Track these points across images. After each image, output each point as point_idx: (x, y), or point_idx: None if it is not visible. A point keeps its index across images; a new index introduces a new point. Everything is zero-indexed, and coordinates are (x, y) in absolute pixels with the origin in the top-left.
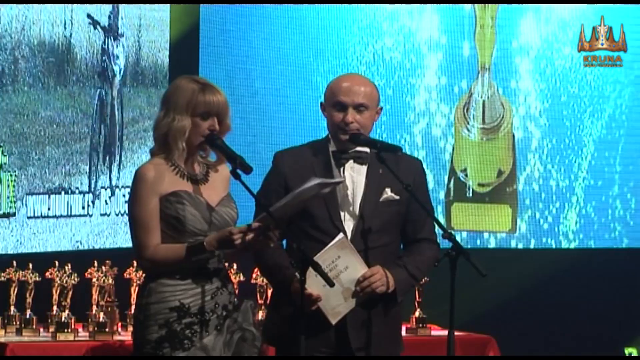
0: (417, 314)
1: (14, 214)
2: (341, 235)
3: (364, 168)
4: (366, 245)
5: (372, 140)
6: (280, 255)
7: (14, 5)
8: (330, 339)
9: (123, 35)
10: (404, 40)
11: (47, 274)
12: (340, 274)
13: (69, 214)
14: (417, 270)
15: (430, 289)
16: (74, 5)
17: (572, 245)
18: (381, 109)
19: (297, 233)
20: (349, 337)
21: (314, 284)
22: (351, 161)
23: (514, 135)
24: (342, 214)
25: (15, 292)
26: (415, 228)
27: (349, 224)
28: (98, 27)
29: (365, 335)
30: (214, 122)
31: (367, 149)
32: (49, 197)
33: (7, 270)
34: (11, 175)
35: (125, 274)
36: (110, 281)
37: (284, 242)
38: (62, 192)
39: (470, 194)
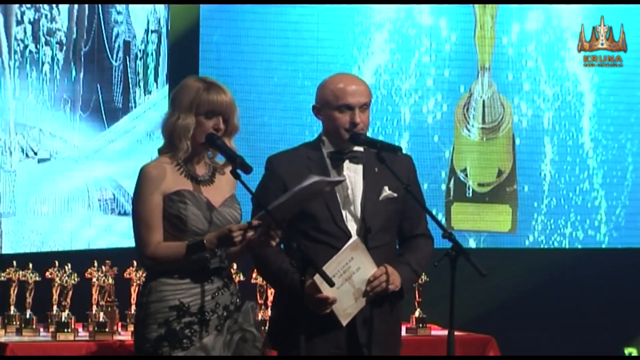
0: (417, 313)
1: (14, 214)
2: (355, 237)
3: (360, 167)
4: (370, 245)
5: (372, 140)
6: (283, 259)
7: None
8: (341, 339)
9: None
10: (403, 39)
11: (47, 274)
12: (352, 275)
13: (69, 213)
14: (418, 267)
15: (430, 289)
16: None
17: (572, 245)
18: None
19: (299, 235)
20: (358, 337)
21: (328, 287)
22: (347, 161)
23: (514, 135)
24: (343, 214)
25: (15, 292)
26: (412, 225)
27: (351, 225)
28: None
29: (370, 333)
30: (219, 122)
31: (361, 148)
32: (49, 197)
33: (7, 270)
34: (11, 175)
35: (125, 274)
36: (110, 281)
37: (282, 244)
38: (62, 192)
39: (470, 194)
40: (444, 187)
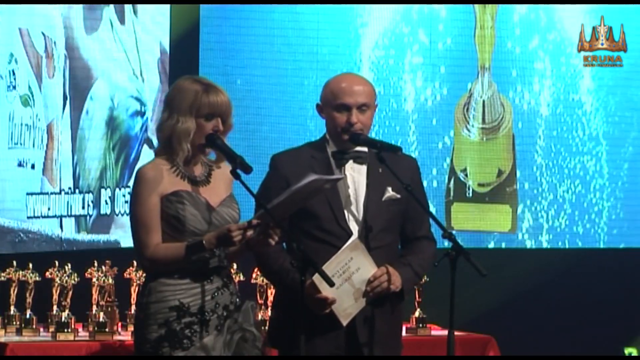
0: (417, 314)
1: (14, 214)
2: (355, 236)
3: (364, 168)
4: (371, 246)
5: (372, 140)
6: (284, 258)
7: None
8: (341, 339)
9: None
10: (403, 39)
11: (47, 274)
12: (352, 275)
13: (69, 214)
14: (420, 268)
15: (430, 289)
16: None
17: (572, 245)
18: (377, 106)
19: (301, 234)
20: (358, 337)
21: (327, 287)
22: (351, 161)
23: (514, 135)
24: (346, 214)
25: (15, 292)
26: (415, 226)
27: (353, 224)
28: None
29: (371, 333)
30: (218, 123)
31: (365, 149)
32: (49, 197)
33: (7, 270)
34: (11, 175)
35: (125, 274)
36: (110, 281)
37: (284, 244)
38: (62, 192)
39: (470, 194)
40: (444, 187)
